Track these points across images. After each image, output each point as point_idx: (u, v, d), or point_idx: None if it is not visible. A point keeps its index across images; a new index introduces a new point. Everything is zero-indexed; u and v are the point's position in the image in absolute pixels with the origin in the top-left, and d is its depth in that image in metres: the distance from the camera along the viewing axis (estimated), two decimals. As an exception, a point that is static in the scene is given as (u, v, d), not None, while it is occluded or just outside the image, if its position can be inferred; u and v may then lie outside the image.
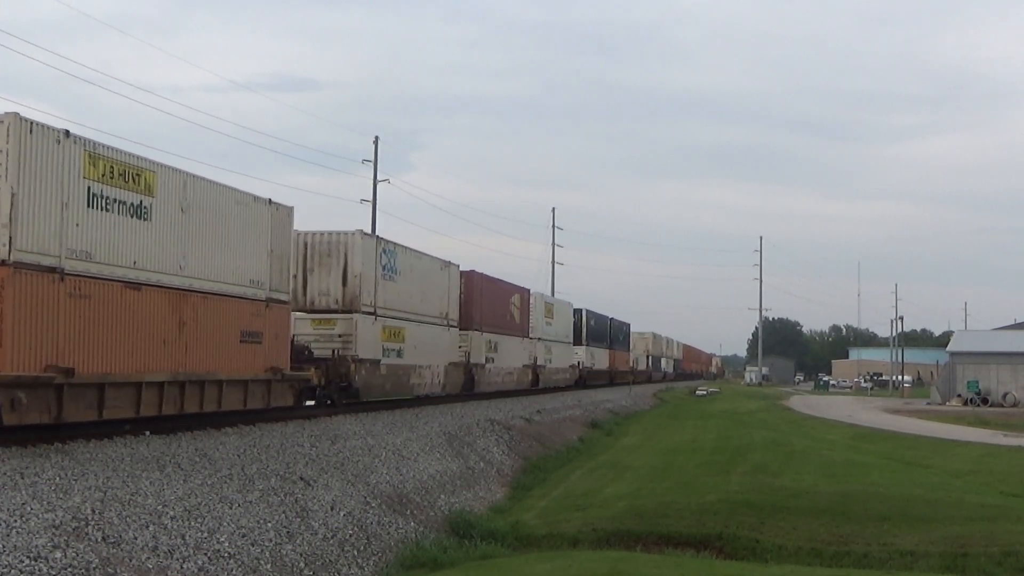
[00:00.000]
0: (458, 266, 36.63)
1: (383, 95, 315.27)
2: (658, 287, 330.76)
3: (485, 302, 40.11)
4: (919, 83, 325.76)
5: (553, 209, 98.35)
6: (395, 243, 30.73)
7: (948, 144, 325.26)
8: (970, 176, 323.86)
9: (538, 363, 49.98)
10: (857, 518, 19.25)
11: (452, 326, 35.64)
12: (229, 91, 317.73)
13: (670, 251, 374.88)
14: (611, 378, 73.32)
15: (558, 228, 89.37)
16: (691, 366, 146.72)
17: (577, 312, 62.51)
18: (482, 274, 40.71)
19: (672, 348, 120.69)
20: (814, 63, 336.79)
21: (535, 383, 49.26)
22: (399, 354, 30.34)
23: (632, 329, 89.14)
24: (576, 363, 60.72)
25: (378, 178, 59.00)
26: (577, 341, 61.48)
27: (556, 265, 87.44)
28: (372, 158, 59.15)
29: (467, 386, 37.70)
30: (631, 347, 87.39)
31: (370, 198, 58.65)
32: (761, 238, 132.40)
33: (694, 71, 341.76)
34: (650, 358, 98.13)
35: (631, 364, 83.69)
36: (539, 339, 50.28)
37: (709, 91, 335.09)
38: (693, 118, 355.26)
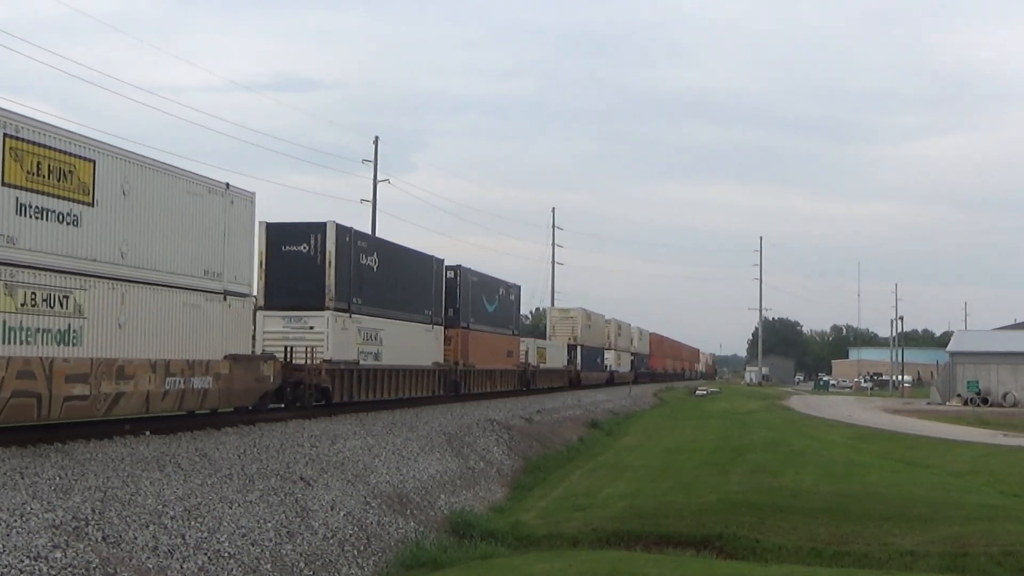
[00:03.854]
0: None
1: (383, 95, 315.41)
2: (658, 287, 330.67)
3: None
4: (919, 83, 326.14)
5: (553, 209, 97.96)
6: None
7: (948, 144, 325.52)
8: (970, 176, 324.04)
9: None
10: (857, 518, 19.26)
11: None
12: (229, 91, 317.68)
13: (670, 251, 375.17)
14: (456, 384, 37.34)
15: (558, 228, 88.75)
16: (664, 364, 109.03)
17: (312, 230, 26.81)
18: None
19: (629, 337, 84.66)
20: (814, 63, 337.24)
21: None
22: None
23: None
24: (312, 350, 25.64)
25: (378, 178, 59.04)
26: (312, 303, 26.51)
27: (556, 265, 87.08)
28: (372, 158, 59.19)
29: None
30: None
31: (370, 198, 58.76)
32: (761, 238, 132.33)
33: (694, 71, 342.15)
34: (579, 350, 64.38)
35: (522, 358, 49.42)
36: None
37: (709, 91, 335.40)
38: (693, 118, 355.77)
